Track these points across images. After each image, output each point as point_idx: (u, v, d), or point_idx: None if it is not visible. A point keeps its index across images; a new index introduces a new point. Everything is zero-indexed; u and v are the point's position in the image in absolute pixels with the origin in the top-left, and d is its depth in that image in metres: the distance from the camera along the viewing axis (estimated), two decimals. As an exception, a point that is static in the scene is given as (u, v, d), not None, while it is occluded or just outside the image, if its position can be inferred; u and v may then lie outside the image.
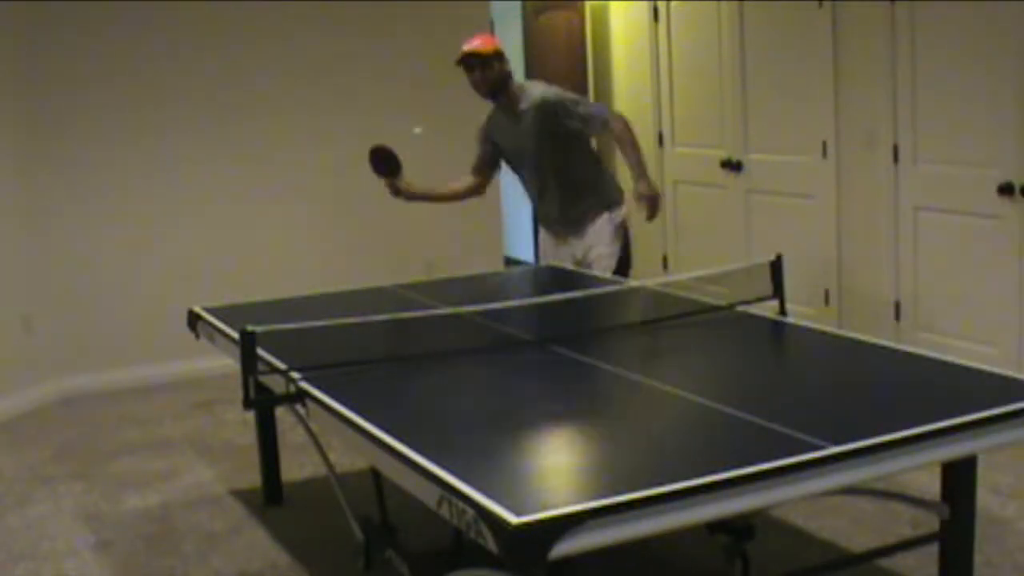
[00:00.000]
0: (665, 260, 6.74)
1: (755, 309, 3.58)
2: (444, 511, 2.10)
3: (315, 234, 6.06)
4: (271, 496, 4.03)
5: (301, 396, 2.89)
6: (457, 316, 3.53)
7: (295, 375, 2.97)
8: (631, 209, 4.58)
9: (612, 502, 1.95)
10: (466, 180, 4.74)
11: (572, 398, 2.84)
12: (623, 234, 4.58)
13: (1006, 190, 4.51)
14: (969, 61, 4.64)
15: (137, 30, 5.58)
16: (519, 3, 7.42)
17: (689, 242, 6.56)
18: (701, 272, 4.35)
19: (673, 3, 6.46)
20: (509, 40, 7.16)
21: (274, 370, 3.04)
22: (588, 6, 7.17)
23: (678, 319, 3.54)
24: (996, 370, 2.77)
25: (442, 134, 6.22)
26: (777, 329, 3.45)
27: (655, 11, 6.59)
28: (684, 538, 2.96)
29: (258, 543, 3.68)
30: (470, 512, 1.99)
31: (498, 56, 4.39)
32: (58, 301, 5.50)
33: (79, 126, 5.51)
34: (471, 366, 3.17)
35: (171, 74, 5.68)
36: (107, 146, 5.58)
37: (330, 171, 6.08)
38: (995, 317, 4.66)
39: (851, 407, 2.61)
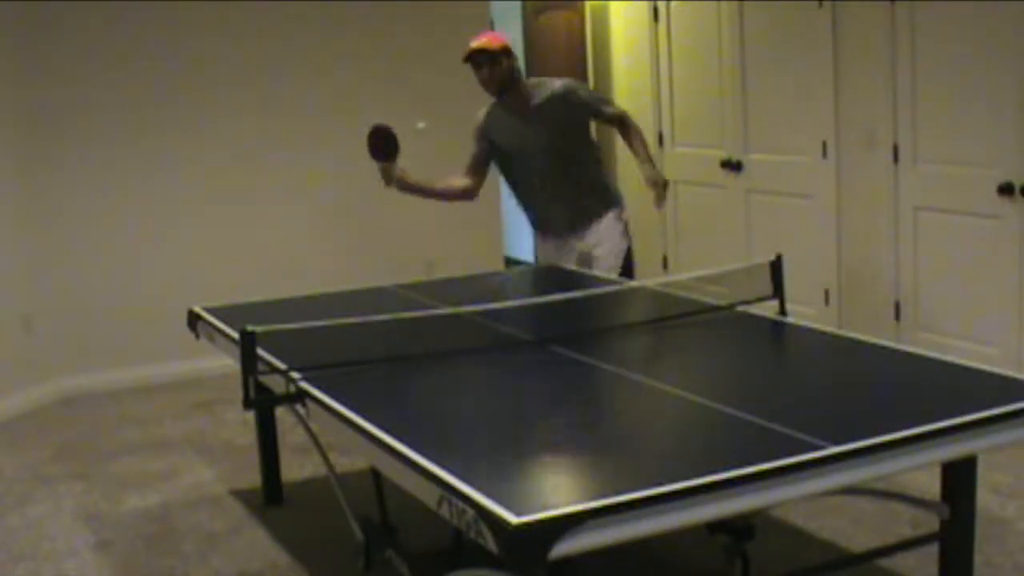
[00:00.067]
0: (665, 260, 6.74)
1: (755, 309, 3.58)
2: (444, 511, 2.10)
3: (315, 234, 6.06)
4: (271, 496, 4.03)
5: (301, 396, 2.89)
6: (457, 316, 3.53)
7: (295, 375, 2.97)
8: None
9: (612, 502, 1.95)
10: (460, 180, 4.63)
11: (572, 398, 2.84)
12: (628, 233, 4.60)
13: (1006, 190, 4.51)
14: (969, 61, 4.64)
15: (137, 31, 5.58)
16: (519, 3, 7.42)
17: (689, 242, 6.56)
18: (701, 272, 4.35)
19: (673, 3, 6.46)
20: (509, 40, 7.16)
21: (274, 370, 3.04)
22: (588, 6, 7.17)
23: (678, 319, 3.54)
24: (996, 370, 2.77)
25: (442, 134, 6.22)
26: (777, 329, 3.45)
27: (655, 11, 6.60)
28: (684, 538, 2.96)
29: (258, 543, 3.68)
30: (470, 512, 1.99)
31: (506, 52, 4.37)
32: (58, 301, 5.50)
33: (79, 126, 5.51)
34: (471, 366, 3.17)
35: (171, 74, 5.68)
36: (107, 146, 5.58)
37: (330, 171, 6.08)
38: (995, 317, 4.66)
39: (851, 407, 2.61)
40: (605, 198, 4.57)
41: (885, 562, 3.19)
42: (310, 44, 5.99)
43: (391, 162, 4.43)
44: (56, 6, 5.37)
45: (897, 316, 5.17)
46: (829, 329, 3.62)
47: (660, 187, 4.40)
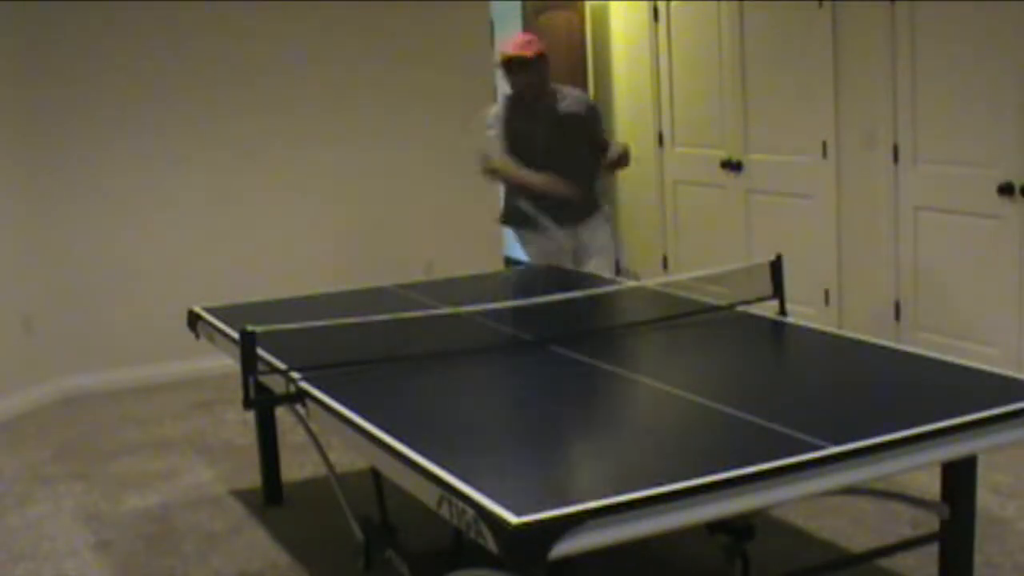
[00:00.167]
0: (665, 260, 6.74)
1: (755, 309, 3.59)
2: (444, 511, 2.10)
3: (315, 234, 6.06)
4: (271, 496, 4.03)
5: (301, 396, 2.89)
6: (457, 316, 3.53)
7: (295, 375, 2.97)
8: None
9: (612, 502, 1.95)
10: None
11: (572, 398, 2.84)
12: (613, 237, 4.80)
13: (1006, 190, 4.51)
14: (969, 61, 4.64)
15: (137, 31, 5.58)
16: (519, 3, 7.42)
17: (689, 242, 6.56)
18: (701, 272, 4.35)
19: (673, 3, 6.46)
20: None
21: (274, 370, 3.04)
22: (588, 6, 7.18)
23: (678, 319, 3.54)
24: (996, 370, 2.77)
25: (442, 133, 6.23)
26: (777, 329, 3.45)
27: (655, 11, 6.60)
28: (684, 538, 2.96)
29: (258, 543, 3.68)
30: (470, 512, 1.99)
31: (542, 58, 4.39)
32: (58, 301, 5.50)
33: (79, 126, 5.51)
34: (471, 366, 3.17)
35: (171, 75, 5.68)
36: (107, 146, 5.58)
37: (330, 171, 6.08)
38: (995, 317, 4.66)
39: (851, 407, 2.61)
40: (597, 198, 4.72)
41: (885, 562, 3.19)
42: (310, 44, 5.98)
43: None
44: (56, 6, 5.36)
45: (897, 316, 5.17)
46: (829, 329, 3.62)
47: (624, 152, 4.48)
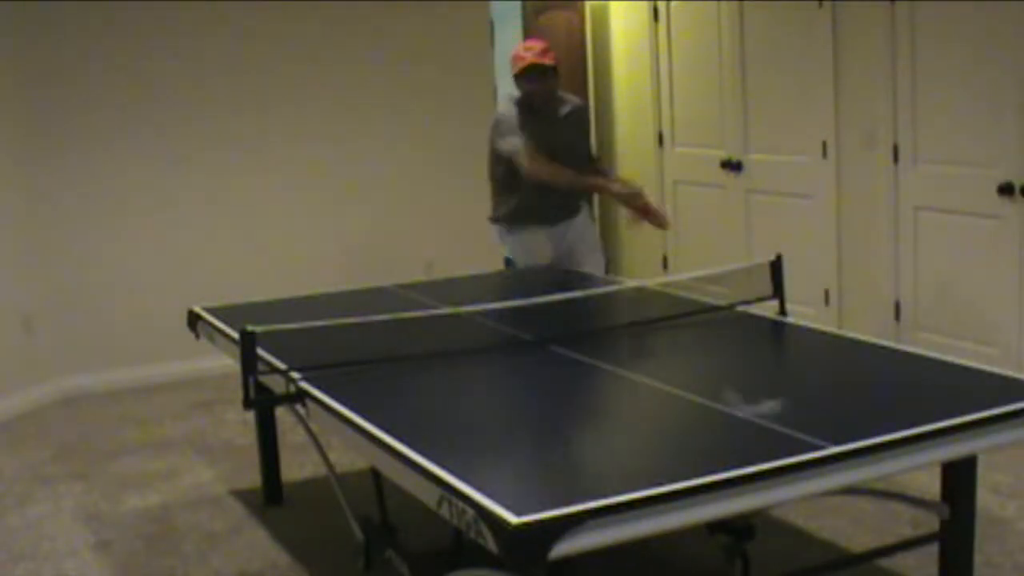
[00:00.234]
0: (665, 260, 6.74)
1: (755, 309, 3.59)
2: (444, 511, 2.10)
3: (315, 234, 6.06)
4: (271, 496, 4.03)
5: (301, 396, 2.89)
6: (457, 316, 3.53)
7: (295, 375, 2.97)
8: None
9: (612, 502, 1.95)
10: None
11: (572, 398, 2.84)
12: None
13: (1006, 190, 4.51)
14: (969, 61, 4.64)
15: (137, 31, 5.57)
16: (519, 3, 7.42)
17: (689, 242, 6.56)
18: (701, 272, 4.35)
19: (673, 3, 6.46)
20: (509, 40, 7.16)
21: (274, 370, 3.04)
22: (588, 6, 7.17)
23: (678, 319, 3.54)
24: (996, 370, 2.77)
25: (443, 133, 6.23)
26: (777, 329, 3.45)
27: (655, 11, 6.60)
28: (684, 538, 2.96)
29: (258, 543, 3.68)
30: (470, 512, 1.99)
31: (557, 66, 4.46)
32: (58, 301, 5.50)
33: (79, 126, 5.51)
34: (471, 366, 3.17)
35: (171, 75, 5.68)
36: (107, 146, 5.58)
37: (330, 171, 6.08)
38: (995, 317, 4.66)
39: (851, 407, 2.61)
40: (583, 198, 4.79)
41: (885, 562, 3.19)
42: (310, 44, 5.98)
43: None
44: (56, 6, 5.36)
45: (897, 316, 5.17)
46: (829, 329, 3.63)
47: (640, 195, 4.51)
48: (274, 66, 5.91)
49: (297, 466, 4.30)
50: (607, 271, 4.75)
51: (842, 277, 5.50)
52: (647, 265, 6.80)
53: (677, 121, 6.56)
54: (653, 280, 4.74)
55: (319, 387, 2.85)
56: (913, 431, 2.28)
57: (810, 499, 3.21)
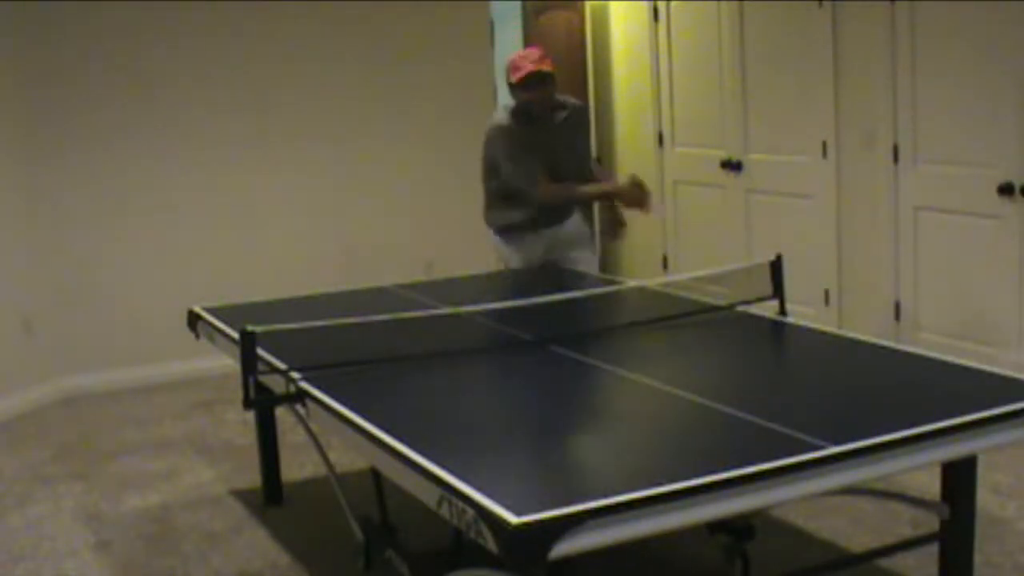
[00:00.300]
0: (665, 260, 6.74)
1: (755, 309, 3.59)
2: (444, 511, 2.10)
3: (315, 234, 6.06)
4: (271, 496, 4.03)
5: (301, 396, 2.89)
6: (457, 316, 3.53)
7: (295, 375, 2.97)
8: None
9: (612, 502, 1.95)
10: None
11: (572, 398, 2.84)
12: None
13: (1006, 190, 4.51)
14: (969, 61, 4.64)
15: (137, 32, 5.57)
16: (519, 3, 7.42)
17: (689, 242, 6.56)
18: (701, 272, 4.35)
19: (673, 3, 6.46)
20: (509, 40, 7.16)
21: (274, 370, 3.04)
22: (588, 6, 7.17)
23: (678, 319, 3.54)
24: (996, 370, 2.77)
25: (443, 133, 6.23)
26: (777, 329, 3.45)
27: (655, 11, 6.59)
28: (684, 538, 2.96)
29: (258, 543, 3.68)
30: (470, 512, 1.99)
31: (554, 72, 4.38)
32: (58, 301, 5.50)
33: (79, 127, 5.51)
34: (471, 366, 3.17)
35: (171, 75, 5.68)
36: (107, 147, 5.58)
37: (331, 171, 6.08)
38: (995, 317, 4.66)
39: (851, 407, 2.61)
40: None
41: (885, 562, 3.19)
42: (310, 44, 5.98)
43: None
44: (57, 6, 5.36)
45: (897, 316, 5.17)
46: (829, 329, 3.62)
47: (640, 187, 4.44)
48: (274, 66, 5.91)
49: (297, 466, 4.30)
50: (601, 268, 4.72)
51: (842, 277, 5.50)
52: (647, 265, 6.80)
53: (677, 121, 6.56)
54: (653, 280, 4.74)
55: (319, 387, 2.85)
56: (913, 431, 2.28)
57: (810, 499, 3.21)
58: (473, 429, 2.58)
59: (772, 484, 2.11)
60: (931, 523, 2.97)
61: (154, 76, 5.64)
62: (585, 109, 4.64)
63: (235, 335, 3.06)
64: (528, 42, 7.24)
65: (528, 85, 4.25)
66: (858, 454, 2.20)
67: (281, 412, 3.68)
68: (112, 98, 5.56)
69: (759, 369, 3.12)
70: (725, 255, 5.95)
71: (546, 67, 4.28)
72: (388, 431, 2.44)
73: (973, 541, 2.86)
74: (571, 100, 4.64)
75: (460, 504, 2.03)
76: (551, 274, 4.50)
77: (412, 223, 6.23)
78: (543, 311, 3.54)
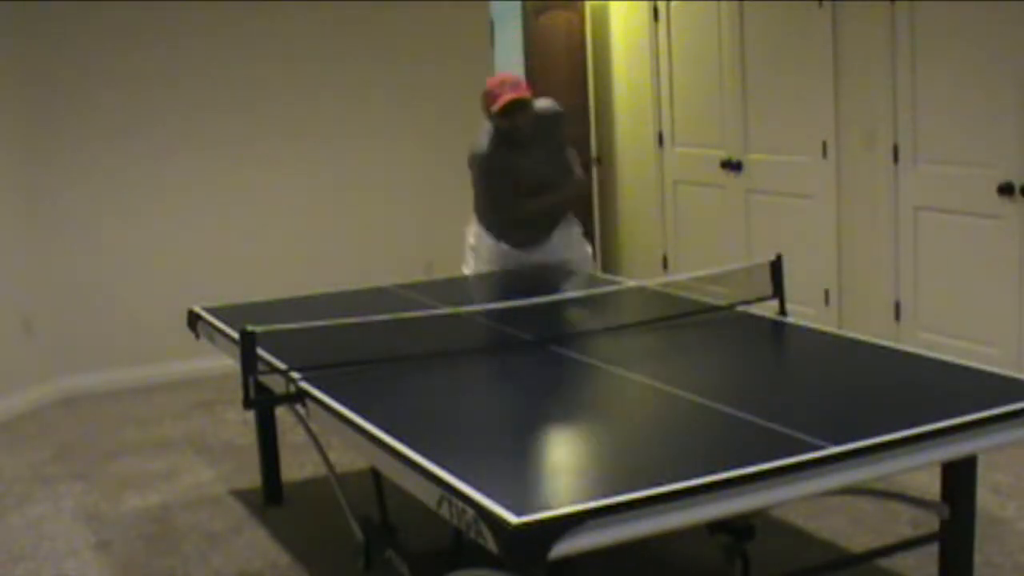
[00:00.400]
0: (665, 260, 6.74)
1: (755, 309, 3.58)
2: (444, 511, 2.10)
3: (315, 234, 6.06)
4: (271, 496, 4.03)
5: (301, 396, 2.89)
6: (457, 316, 3.53)
7: (295, 375, 2.97)
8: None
9: (612, 502, 1.95)
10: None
11: (572, 398, 2.84)
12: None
13: (1006, 190, 4.51)
14: (969, 61, 4.64)
15: (137, 32, 5.57)
16: (519, 3, 7.42)
17: (689, 242, 6.56)
18: (701, 272, 4.35)
19: (673, 3, 6.46)
20: (509, 40, 7.16)
21: (274, 370, 3.04)
22: (588, 6, 7.17)
23: (678, 319, 3.54)
24: (996, 370, 2.77)
25: (443, 133, 6.23)
26: (777, 329, 3.45)
27: (655, 11, 6.59)
28: (684, 538, 2.96)
29: (258, 543, 3.68)
30: (470, 512, 1.99)
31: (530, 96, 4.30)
32: (58, 301, 5.50)
33: (79, 127, 5.51)
34: (471, 366, 3.17)
35: (171, 75, 5.68)
36: (107, 147, 5.58)
37: (331, 171, 6.08)
38: (995, 317, 4.66)
39: (851, 407, 2.61)
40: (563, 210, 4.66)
41: (885, 562, 3.19)
42: (310, 45, 5.99)
43: None
44: (57, 5, 5.36)
45: (897, 316, 5.17)
46: (829, 329, 3.62)
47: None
48: (274, 66, 5.91)
49: (297, 466, 4.30)
50: (601, 268, 4.66)
51: (842, 277, 5.50)
52: (647, 265, 6.80)
53: (677, 121, 6.56)
54: (653, 280, 4.74)
55: (319, 387, 2.85)
56: (913, 431, 2.28)
57: (810, 499, 3.21)
58: (473, 429, 2.58)
59: (772, 484, 2.11)
60: (931, 523, 2.97)
61: (154, 76, 5.64)
62: (558, 114, 4.46)
63: (235, 335, 3.06)
64: (528, 42, 7.24)
65: (507, 113, 4.21)
66: (858, 454, 2.20)
67: (281, 412, 3.68)
68: (112, 98, 5.56)
69: (759, 369, 3.12)
70: (725, 255, 5.95)
71: (523, 94, 4.22)
72: (388, 431, 2.44)
73: (973, 541, 2.86)
74: (544, 105, 4.46)
75: (460, 504, 2.03)
76: (551, 274, 4.50)
77: (412, 223, 6.23)
78: (543, 311, 3.54)
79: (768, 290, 3.61)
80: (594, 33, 7.19)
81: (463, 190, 6.05)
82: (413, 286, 4.37)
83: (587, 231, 5.17)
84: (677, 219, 6.64)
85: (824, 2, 5.32)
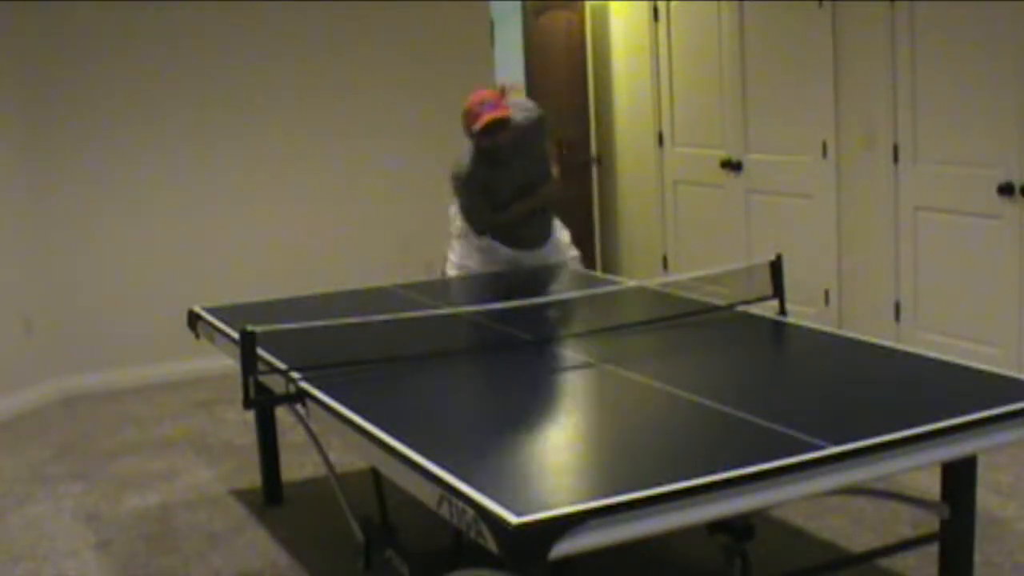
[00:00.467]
0: (665, 260, 6.74)
1: (755, 309, 3.58)
2: (444, 511, 2.10)
3: (315, 234, 6.06)
4: (271, 496, 4.03)
5: (301, 396, 2.89)
6: (457, 316, 3.53)
7: (295, 375, 2.97)
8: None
9: (612, 502, 1.95)
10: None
11: (572, 398, 2.84)
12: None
13: (1006, 190, 4.51)
14: (969, 61, 4.64)
15: (139, 34, 5.57)
16: (519, 3, 7.41)
17: (689, 242, 6.56)
18: (701, 272, 4.35)
19: (673, 3, 6.46)
20: (509, 40, 7.16)
21: (274, 370, 3.04)
22: (588, 6, 7.17)
23: (678, 319, 3.54)
24: (996, 370, 2.77)
25: (443, 133, 6.22)
26: (777, 329, 3.45)
27: (655, 11, 6.59)
28: (684, 538, 2.96)
29: (258, 543, 3.68)
30: (470, 512, 1.99)
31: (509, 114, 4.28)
32: (58, 301, 5.50)
33: (80, 127, 5.50)
34: (471, 366, 3.18)
35: (173, 76, 5.67)
36: (108, 146, 5.58)
37: (331, 171, 6.08)
38: (995, 317, 4.66)
39: (851, 407, 2.61)
40: (550, 219, 4.65)
41: (885, 562, 3.19)
42: (310, 45, 5.98)
43: None
44: (57, 6, 5.36)
45: (897, 316, 5.17)
46: (829, 329, 3.62)
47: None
48: (274, 66, 5.91)
49: (297, 466, 4.30)
50: (601, 268, 4.66)
51: (842, 277, 5.50)
52: (647, 265, 6.80)
53: (677, 121, 6.56)
54: (653, 280, 4.74)
55: (319, 387, 2.85)
56: (913, 431, 2.28)
57: (810, 499, 3.21)
58: (473, 429, 2.58)
59: (772, 484, 2.11)
60: (931, 523, 2.97)
61: (154, 76, 5.64)
62: (536, 120, 4.42)
63: (235, 335, 3.06)
64: (528, 42, 7.24)
65: (488, 132, 4.20)
66: (858, 454, 2.20)
67: (281, 412, 3.68)
68: (112, 98, 5.56)
69: (759, 369, 3.12)
70: (725, 255, 5.94)
71: (502, 113, 4.20)
72: (388, 431, 2.44)
73: (973, 541, 2.86)
74: (521, 117, 4.39)
75: (460, 504, 2.03)
76: (550, 274, 4.50)
77: (412, 223, 6.23)
78: (543, 311, 3.54)
79: (768, 290, 3.61)
80: (594, 33, 7.19)
81: (463, 190, 6.06)
82: (413, 286, 4.37)
83: (587, 231, 5.15)
84: (677, 219, 6.64)
85: (824, 2, 5.32)
